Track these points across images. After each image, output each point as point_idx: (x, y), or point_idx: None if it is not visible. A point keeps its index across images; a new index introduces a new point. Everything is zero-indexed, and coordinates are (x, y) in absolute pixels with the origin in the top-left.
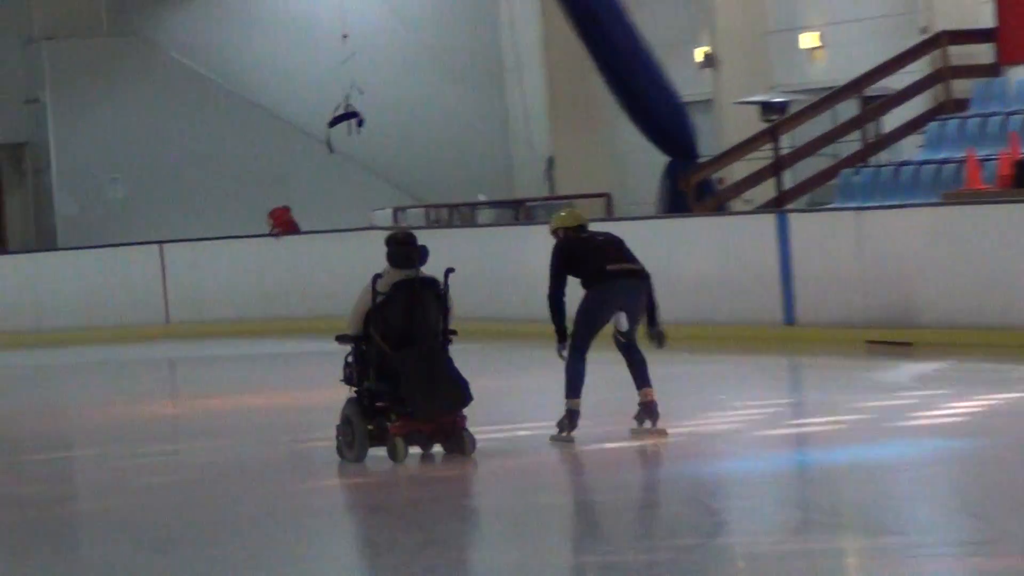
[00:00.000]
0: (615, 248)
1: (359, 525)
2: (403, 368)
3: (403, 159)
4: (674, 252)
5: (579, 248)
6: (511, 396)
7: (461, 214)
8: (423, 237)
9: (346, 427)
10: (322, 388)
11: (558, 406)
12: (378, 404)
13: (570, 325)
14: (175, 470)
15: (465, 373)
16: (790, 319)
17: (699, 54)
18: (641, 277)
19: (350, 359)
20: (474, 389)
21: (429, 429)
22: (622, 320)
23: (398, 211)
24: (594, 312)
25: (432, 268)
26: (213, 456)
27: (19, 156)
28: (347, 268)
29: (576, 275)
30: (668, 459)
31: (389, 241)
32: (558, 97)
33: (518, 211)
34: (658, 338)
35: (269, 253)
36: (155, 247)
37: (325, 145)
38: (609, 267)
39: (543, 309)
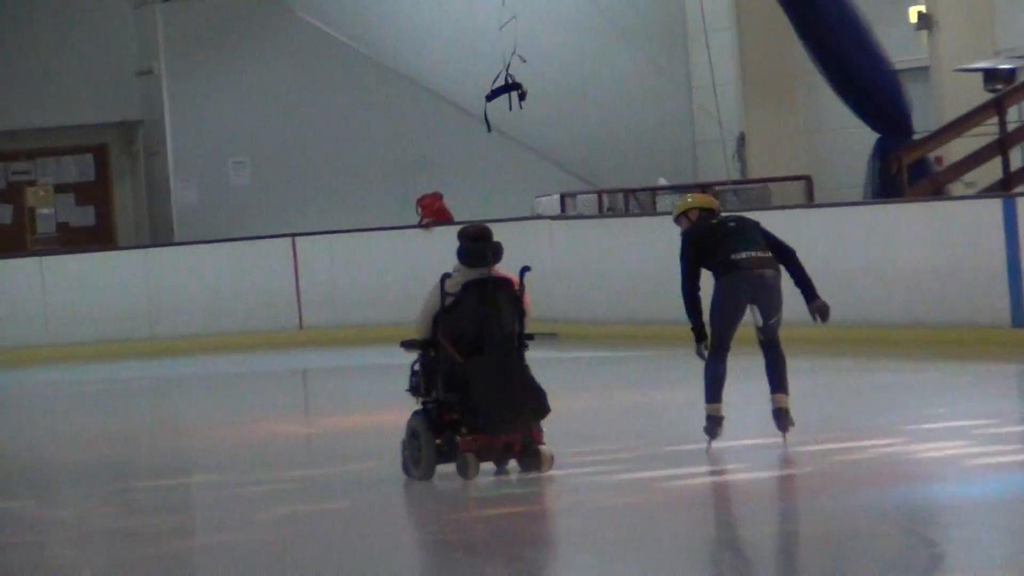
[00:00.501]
0: (746, 234)
1: (517, 560)
2: (474, 377)
3: (571, 138)
4: (884, 243)
5: (709, 235)
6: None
7: (639, 200)
8: (596, 226)
9: (413, 442)
10: None
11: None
12: (447, 417)
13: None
14: (307, 499)
15: (659, 386)
16: (1019, 320)
17: (913, 14)
18: (769, 265)
19: (416, 367)
20: (663, 403)
21: (503, 444)
22: (756, 315)
23: (566, 197)
24: (723, 307)
25: (624, 262)
26: (350, 483)
27: (130, 137)
28: (508, 263)
29: (706, 266)
30: (875, 482)
31: (461, 236)
32: (751, 65)
33: None
34: (821, 312)
35: (418, 247)
36: (286, 241)
37: (482, 122)
38: (733, 256)
39: None
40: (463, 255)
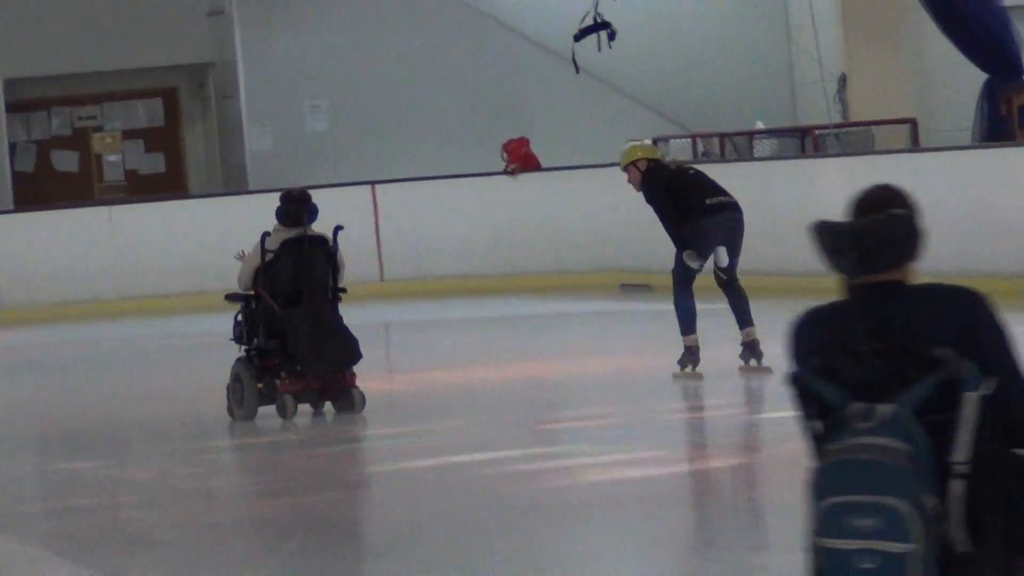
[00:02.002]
0: (709, 180)
1: (625, 519)
2: (292, 326)
3: (664, 79)
4: (994, 189)
5: (674, 181)
6: None
7: (736, 145)
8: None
9: (236, 385)
10: (570, 357)
11: None
12: (268, 363)
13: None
14: (395, 457)
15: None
16: None
17: None
18: (737, 210)
19: (239, 318)
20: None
21: (319, 387)
22: (722, 255)
23: (659, 141)
24: (698, 247)
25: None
26: (439, 441)
27: (201, 80)
28: (598, 210)
29: (677, 209)
30: None
31: (283, 198)
32: (852, 2)
33: (804, 140)
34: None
35: (503, 194)
36: (366, 188)
37: (570, 63)
38: (709, 201)
39: None
40: (281, 216)
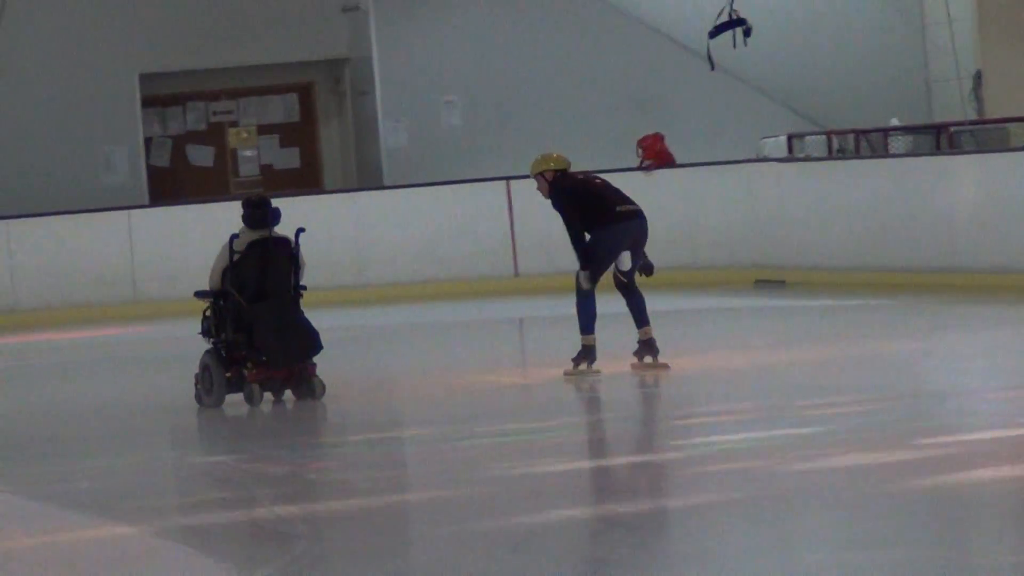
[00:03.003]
0: (615, 190)
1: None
2: (258, 320)
3: (799, 76)
4: None
5: (584, 190)
6: (936, 358)
7: (870, 142)
8: (825, 169)
9: (204, 375)
10: (705, 352)
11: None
12: (235, 354)
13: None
14: (529, 454)
15: (894, 336)
16: None
17: None
18: (643, 217)
19: (207, 313)
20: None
21: (282, 376)
22: (624, 259)
23: (793, 138)
24: (605, 253)
25: (854, 206)
26: (569, 436)
27: (337, 75)
28: (732, 206)
29: (585, 217)
30: None
31: (245, 204)
32: None
33: (939, 138)
34: (647, 268)
35: (638, 190)
36: (501, 184)
37: (705, 60)
38: (619, 208)
39: (970, 257)
40: (247, 219)
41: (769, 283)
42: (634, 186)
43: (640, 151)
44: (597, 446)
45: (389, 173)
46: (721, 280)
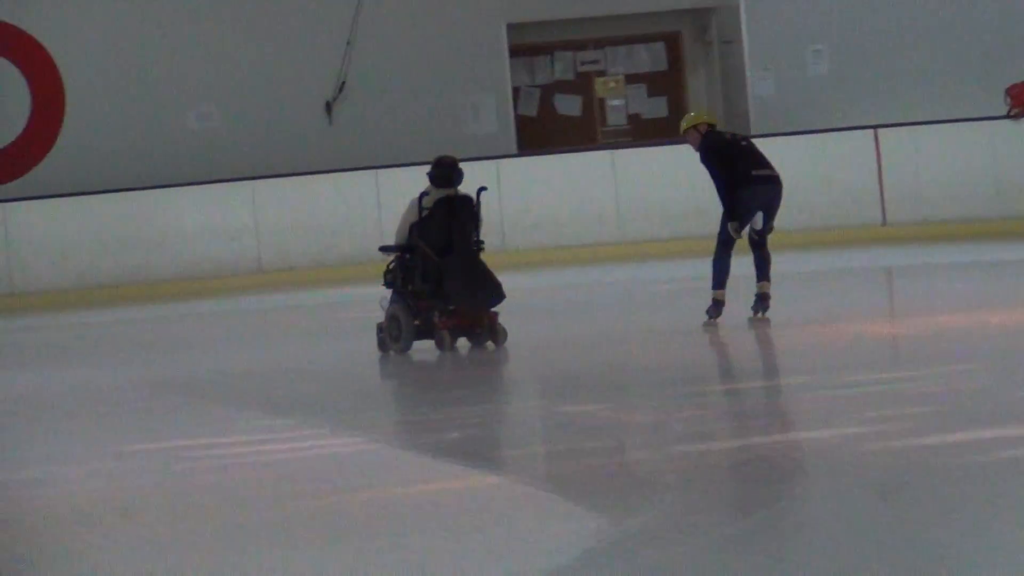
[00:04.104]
0: (757, 153)
1: None
2: (447, 271)
3: None
4: None
5: (727, 149)
6: None
7: None
8: None
9: (393, 323)
10: None
11: None
12: (422, 304)
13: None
14: (898, 403)
15: None
16: None
17: None
18: (779, 183)
19: (392, 266)
20: None
21: (468, 323)
22: (758, 219)
23: None
24: (744, 210)
25: None
26: (942, 386)
27: (704, 24)
28: None
29: (726, 175)
30: None
31: (436, 164)
32: None
33: None
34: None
35: (1004, 139)
36: (868, 133)
37: None
38: (755, 172)
39: None
40: (434, 179)
41: None
42: (1001, 135)
43: (1008, 99)
44: (956, 394)
45: (756, 122)
46: None
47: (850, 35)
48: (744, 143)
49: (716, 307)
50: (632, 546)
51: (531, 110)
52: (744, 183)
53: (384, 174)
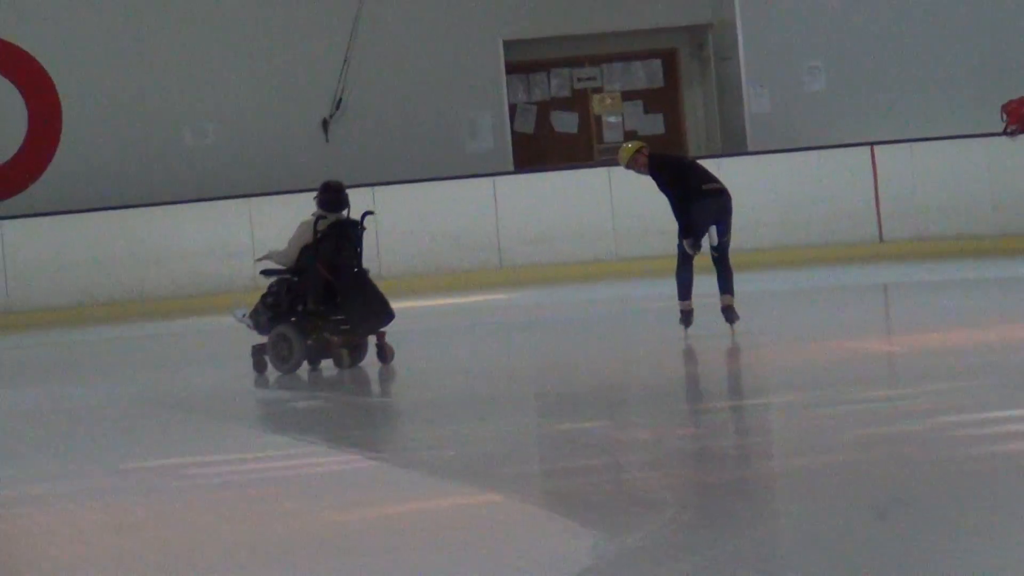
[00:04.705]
0: (703, 168)
1: None
2: (342, 292)
3: None
4: None
5: (677, 165)
6: None
7: None
8: None
9: (282, 343)
10: None
11: None
12: (314, 323)
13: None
14: (892, 420)
15: None
16: None
17: None
18: (728, 195)
19: (274, 288)
20: None
21: (360, 341)
22: (713, 233)
23: None
24: (696, 230)
25: None
26: (936, 402)
27: (700, 40)
28: None
29: (678, 192)
30: None
31: (325, 189)
32: None
33: None
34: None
35: (1001, 155)
36: (864, 149)
37: None
38: (704, 186)
39: None
40: (327, 204)
41: None
42: (998, 151)
43: (1004, 115)
44: (953, 409)
45: (753, 138)
46: None
47: (847, 52)
48: (688, 160)
49: (685, 317)
50: (629, 564)
51: (528, 127)
52: (695, 197)
53: (381, 191)
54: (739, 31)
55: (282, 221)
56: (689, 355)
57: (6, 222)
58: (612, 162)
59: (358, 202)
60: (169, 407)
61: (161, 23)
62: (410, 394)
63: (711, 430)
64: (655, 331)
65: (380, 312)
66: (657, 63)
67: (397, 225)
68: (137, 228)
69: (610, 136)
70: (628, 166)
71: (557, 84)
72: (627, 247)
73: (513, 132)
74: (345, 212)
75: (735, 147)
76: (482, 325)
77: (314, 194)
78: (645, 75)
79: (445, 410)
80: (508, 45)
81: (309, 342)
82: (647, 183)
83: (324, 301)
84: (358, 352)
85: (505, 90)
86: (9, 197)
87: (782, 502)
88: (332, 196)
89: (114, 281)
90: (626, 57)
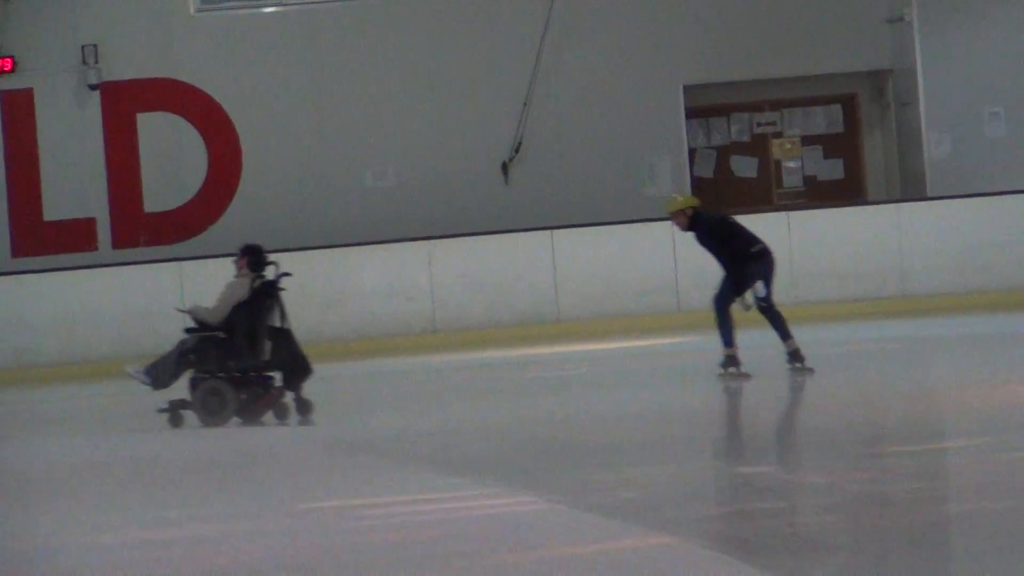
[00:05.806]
0: (745, 229)
1: None
2: (275, 348)
3: None
4: None
5: (720, 228)
6: None
7: None
8: None
9: (213, 398)
10: None
11: None
12: (244, 379)
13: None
14: None
15: None
16: None
17: None
18: (772, 255)
19: (193, 346)
20: None
21: (278, 396)
22: (760, 287)
23: None
24: (744, 284)
25: None
26: None
27: (881, 86)
28: None
29: (722, 252)
30: None
31: (249, 251)
32: None
33: None
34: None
35: None
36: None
37: None
38: (752, 249)
39: None
40: (255, 264)
41: None
42: None
43: None
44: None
45: (932, 184)
46: None
47: None
48: (730, 221)
49: (731, 360)
50: None
51: (707, 171)
52: (744, 259)
53: (560, 234)
54: (919, 76)
55: (461, 264)
56: (866, 398)
57: (186, 263)
58: (791, 206)
59: (538, 245)
60: (347, 449)
61: (341, 66)
62: (587, 437)
63: (888, 474)
64: (832, 374)
65: (306, 368)
66: (837, 108)
67: (575, 269)
68: (317, 269)
69: (789, 181)
70: (670, 217)
71: (737, 129)
72: (806, 291)
73: (692, 176)
74: (268, 273)
75: (914, 192)
76: (660, 369)
77: (236, 257)
78: (825, 120)
79: (618, 454)
80: (688, 90)
81: (244, 396)
82: (828, 228)
83: (257, 356)
84: (284, 405)
85: (685, 134)
86: (189, 238)
87: (960, 548)
88: (259, 258)
89: (294, 321)
90: (806, 102)
